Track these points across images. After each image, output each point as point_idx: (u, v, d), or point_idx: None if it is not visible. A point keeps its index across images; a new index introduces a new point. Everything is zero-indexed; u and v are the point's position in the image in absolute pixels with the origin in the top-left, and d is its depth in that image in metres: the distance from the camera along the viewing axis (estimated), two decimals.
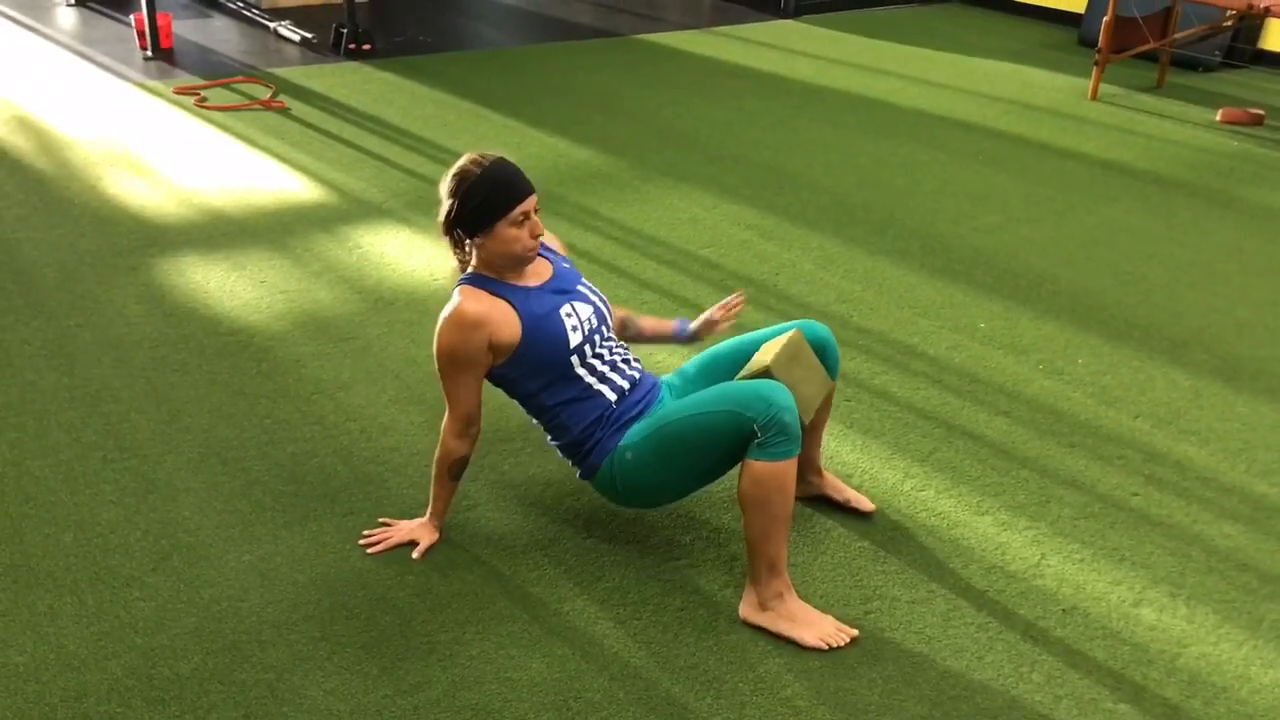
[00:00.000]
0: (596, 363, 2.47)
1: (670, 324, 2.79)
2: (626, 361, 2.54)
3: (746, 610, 2.35)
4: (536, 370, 2.44)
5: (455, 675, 2.20)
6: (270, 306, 3.71)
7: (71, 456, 2.86)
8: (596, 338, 2.48)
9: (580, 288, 2.53)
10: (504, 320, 2.38)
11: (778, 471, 2.23)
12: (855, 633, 2.31)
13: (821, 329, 2.58)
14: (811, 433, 2.66)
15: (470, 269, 2.48)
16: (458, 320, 2.37)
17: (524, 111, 6.00)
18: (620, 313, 2.77)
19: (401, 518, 2.63)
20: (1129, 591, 2.47)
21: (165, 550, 2.53)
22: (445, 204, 2.39)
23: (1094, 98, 6.53)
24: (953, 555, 2.57)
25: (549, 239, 2.63)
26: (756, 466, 2.24)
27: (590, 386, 2.46)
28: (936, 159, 5.40)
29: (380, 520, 2.63)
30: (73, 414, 3.05)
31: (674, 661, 2.25)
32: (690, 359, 2.69)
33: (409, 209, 4.58)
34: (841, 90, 6.63)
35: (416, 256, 4.12)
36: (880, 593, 2.45)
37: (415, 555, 2.52)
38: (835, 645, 2.28)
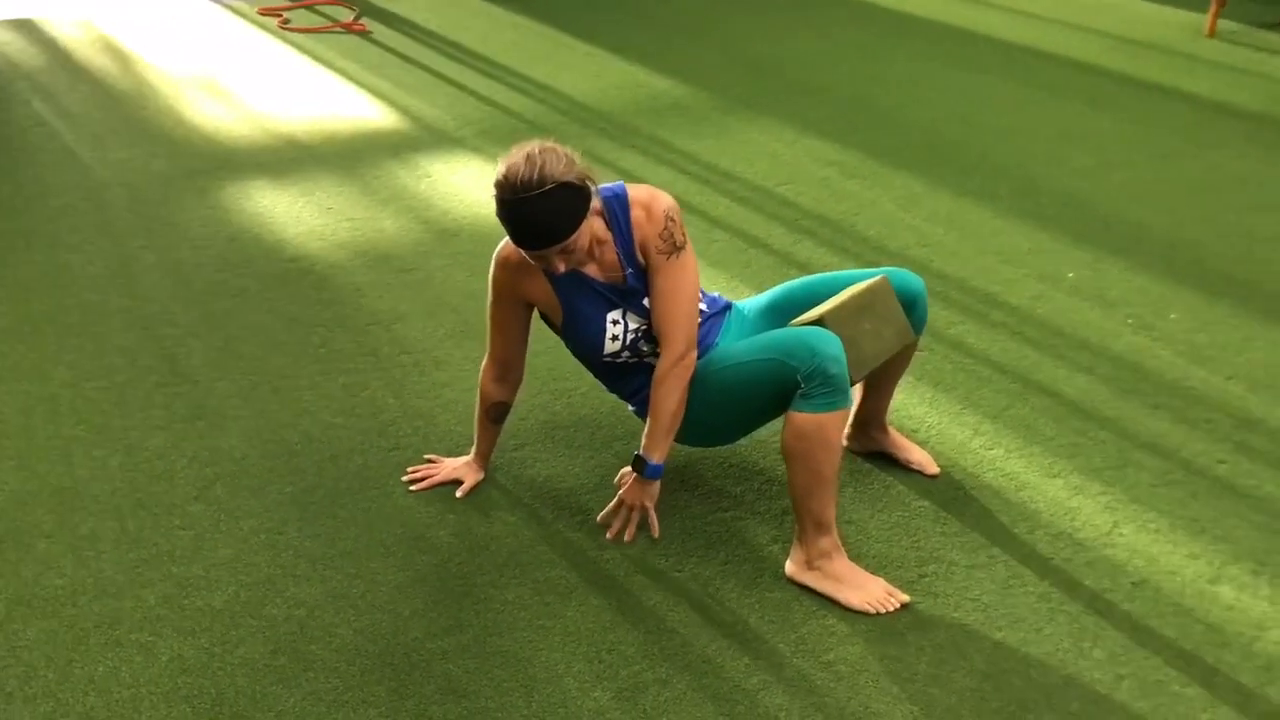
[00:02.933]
0: (645, 355, 2.33)
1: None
2: None
3: (793, 568, 2.25)
4: (573, 350, 2.37)
5: (488, 620, 2.14)
6: (334, 234, 3.66)
7: (125, 380, 2.86)
8: (643, 342, 2.30)
9: (647, 301, 2.26)
10: (540, 289, 2.26)
11: (821, 424, 2.11)
12: (906, 598, 2.20)
13: (914, 280, 2.41)
14: (881, 386, 2.53)
15: None
16: (498, 262, 2.29)
17: (606, 38, 5.85)
18: (689, 363, 2.23)
19: (449, 455, 2.58)
20: (1207, 566, 2.31)
21: (209, 478, 2.51)
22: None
23: (1211, 34, 6.14)
24: (1018, 519, 2.43)
25: (641, 210, 2.22)
26: (799, 418, 2.12)
27: (632, 363, 2.34)
28: (1033, 96, 5.13)
29: (426, 457, 2.57)
30: (130, 337, 3.05)
31: (713, 617, 2.16)
32: (765, 291, 2.54)
33: (481, 137, 4.49)
34: (939, 22, 6.34)
35: (485, 187, 4.02)
36: (938, 555, 2.33)
37: (459, 494, 2.46)
38: (883, 610, 2.17)
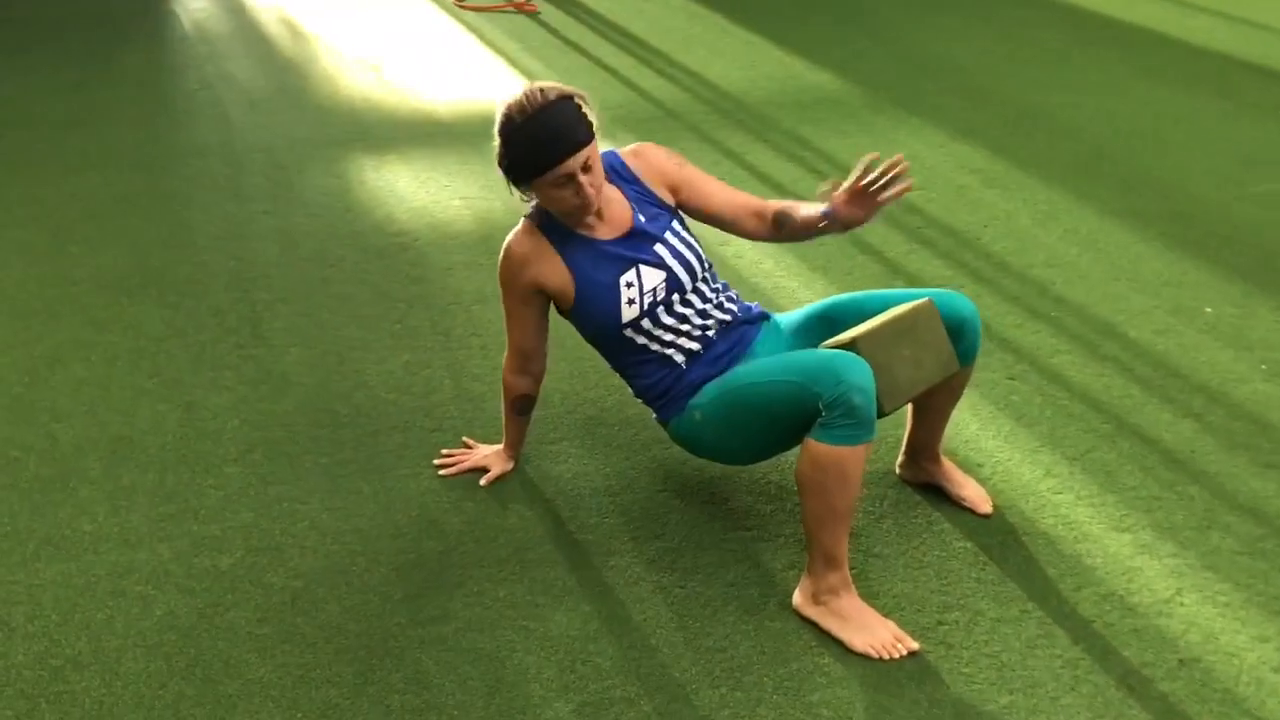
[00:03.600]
0: (662, 332, 2.23)
1: (817, 211, 2.23)
2: (710, 320, 2.26)
3: (799, 599, 2.12)
4: (591, 332, 2.29)
5: (474, 615, 2.11)
6: (443, 211, 3.71)
7: (208, 339, 2.97)
8: (662, 309, 2.21)
9: (659, 248, 2.23)
10: (552, 270, 2.21)
11: (839, 457, 1.97)
12: (915, 645, 2.03)
13: (964, 304, 2.23)
14: (929, 416, 2.35)
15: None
16: (505, 254, 2.25)
17: (772, 27, 5.71)
18: (777, 206, 2.30)
19: (489, 441, 2.56)
20: (1274, 652, 2.05)
21: (253, 442, 2.57)
22: (495, 143, 2.18)
23: None
24: (1067, 573, 2.22)
25: (638, 160, 2.31)
26: (816, 448, 1.99)
27: (653, 353, 2.24)
28: (1222, 110, 4.69)
29: (463, 441, 2.56)
30: (225, 297, 3.17)
31: (703, 640, 2.06)
32: (809, 305, 2.40)
33: (615, 124, 4.45)
34: (1141, 26, 5.90)
35: None
36: (965, 604, 2.15)
37: (482, 482, 2.44)
38: (887, 656, 2.02)
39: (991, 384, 2.81)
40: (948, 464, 2.42)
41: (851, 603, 2.08)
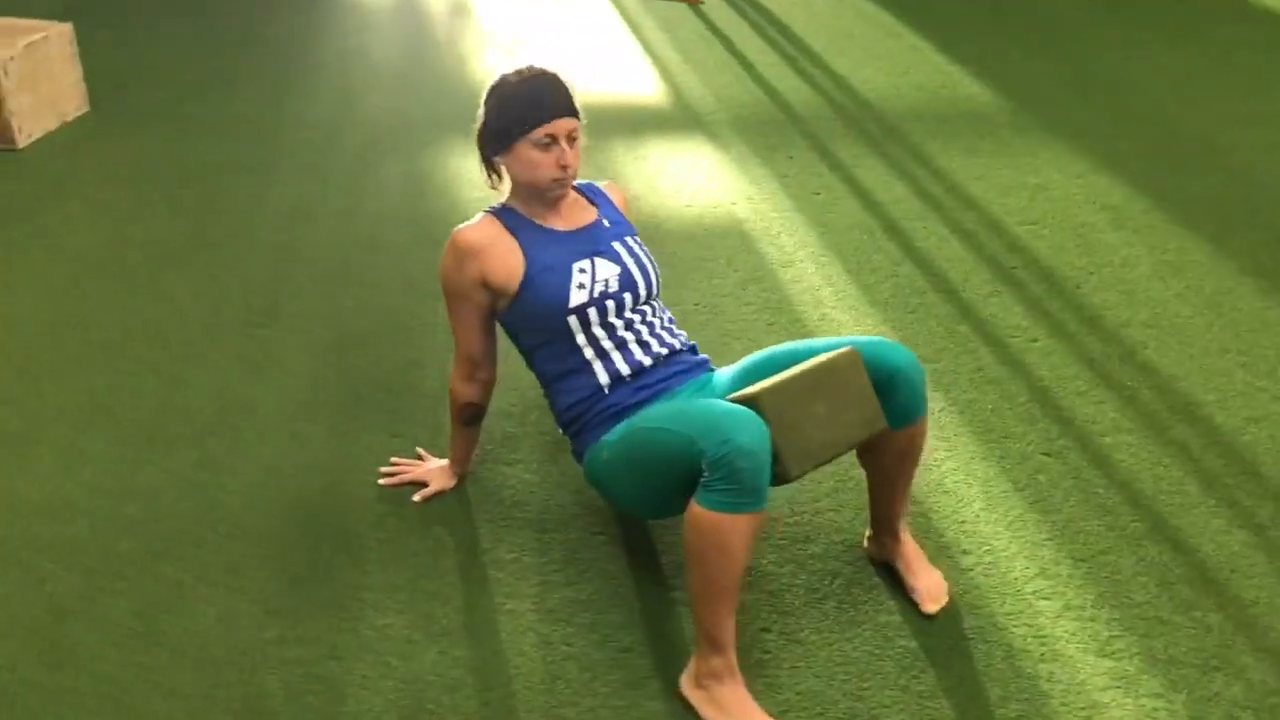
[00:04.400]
0: (602, 334, 2.07)
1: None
2: (650, 341, 2.11)
3: (685, 679, 1.90)
4: (532, 324, 2.11)
5: (343, 641, 1.99)
6: None
7: (226, 316, 2.96)
8: (611, 304, 2.07)
9: (618, 245, 2.14)
10: (504, 258, 2.07)
11: (717, 525, 1.74)
12: None
13: (897, 354, 1.95)
14: (882, 487, 2.08)
15: (503, 201, 2.18)
16: (452, 243, 2.13)
17: (945, 33, 5.31)
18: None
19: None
20: None
21: (226, 425, 2.54)
22: (479, 114, 2.10)
23: None
24: (1014, 696, 1.90)
25: (610, 191, 2.30)
26: (695, 511, 1.76)
27: (585, 359, 2.08)
28: None
29: (417, 451, 2.45)
30: (262, 274, 3.16)
31: (565, 710, 1.87)
32: (745, 359, 2.16)
33: (728, 126, 4.23)
34: None
35: (695, 180, 3.79)
36: (875, 716, 1.87)
37: (416, 498, 2.32)
38: None
39: (1020, 457, 2.47)
40: (909, 546, 2.13)
41: (734, 693, 1.84)
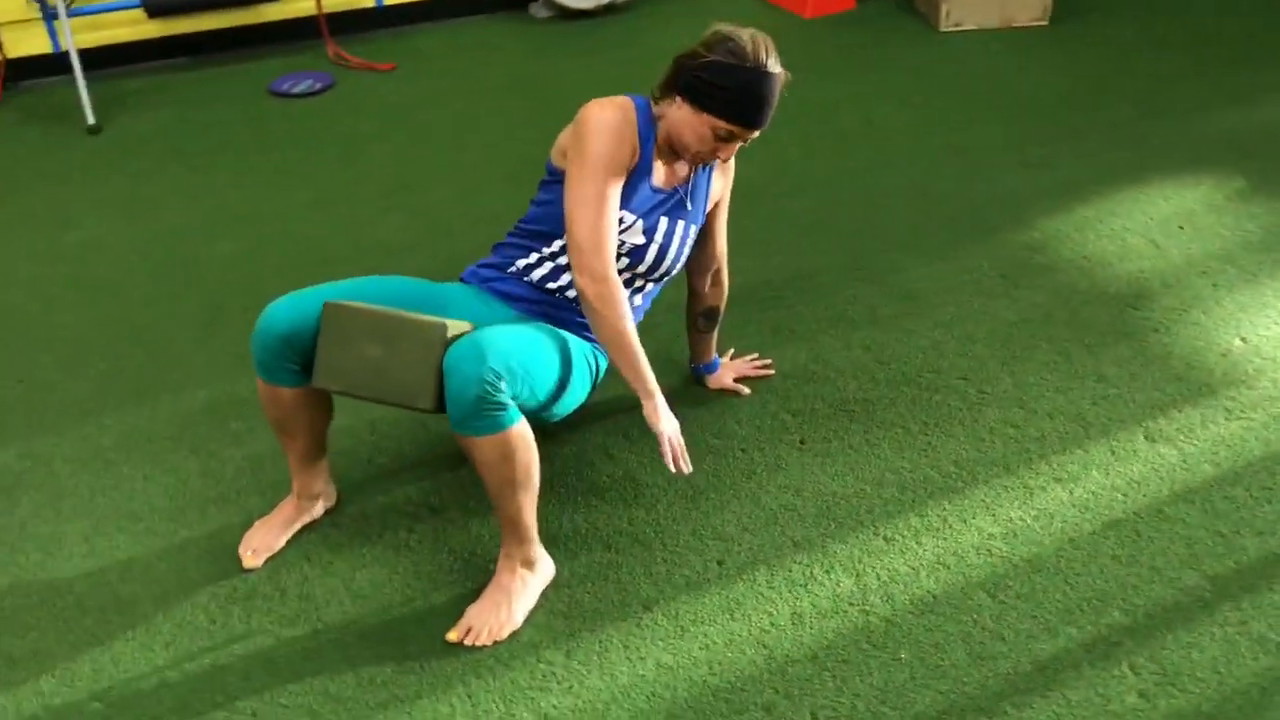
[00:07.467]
0: (617, 260, 2.14)
1: (703, 354, 2.66)
2: (635, 299, 2.27)
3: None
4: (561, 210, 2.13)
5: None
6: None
7: (244, 303, 3.10)
8: (639, 275, 2.23)
9: (665, 221, 2.20)
10: (634, 156, 2.13)
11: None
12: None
13: (468, 360, 1.84)
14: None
15: (654, 106, 2.17)
16: (620, 106, 2.09)
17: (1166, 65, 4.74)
18: (714, 302, 2.52)
19: (356, 522, 2.36)
20: None
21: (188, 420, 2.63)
22: (696, 50, 2.06)
23: None
24: None
25: (727, 173, 2.37)
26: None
27: (546, 254, 2.19)
28: None
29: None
30: (294, 276, 3.16)
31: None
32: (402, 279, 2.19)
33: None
34: None
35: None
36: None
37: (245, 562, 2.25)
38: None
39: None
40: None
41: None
